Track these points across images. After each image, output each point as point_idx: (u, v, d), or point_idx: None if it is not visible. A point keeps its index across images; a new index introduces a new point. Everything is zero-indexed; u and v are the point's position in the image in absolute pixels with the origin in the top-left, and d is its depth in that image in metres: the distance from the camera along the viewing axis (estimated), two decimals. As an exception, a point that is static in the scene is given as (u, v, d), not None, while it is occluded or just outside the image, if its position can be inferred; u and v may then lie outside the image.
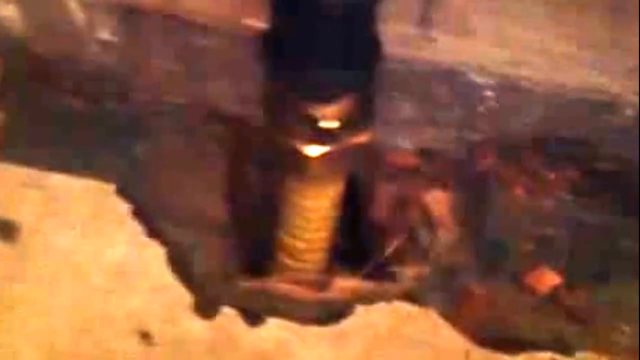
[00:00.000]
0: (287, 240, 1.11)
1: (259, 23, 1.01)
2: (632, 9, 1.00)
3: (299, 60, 0.86)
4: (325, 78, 0.86)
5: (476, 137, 1.15)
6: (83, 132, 1.18)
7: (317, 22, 0.82)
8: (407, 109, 1.13)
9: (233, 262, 1.15)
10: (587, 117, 1.11)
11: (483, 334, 1.11)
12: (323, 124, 0.89)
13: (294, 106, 0.90)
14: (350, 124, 0.91)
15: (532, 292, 1.14)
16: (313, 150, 0.92)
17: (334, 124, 0.90)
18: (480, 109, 1.11)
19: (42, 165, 1.16)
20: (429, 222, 1.16)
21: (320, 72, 0.86)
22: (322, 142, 0.91)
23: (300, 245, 1.11)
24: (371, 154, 1.08)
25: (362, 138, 0.92)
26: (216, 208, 1.17)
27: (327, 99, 0.88)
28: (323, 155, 0.92)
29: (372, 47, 0.87)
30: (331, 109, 0.89)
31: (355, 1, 0.81)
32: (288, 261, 1.14)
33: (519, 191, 1.15)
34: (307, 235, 1.09)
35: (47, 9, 1.10)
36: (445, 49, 1.06)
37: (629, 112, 1.08)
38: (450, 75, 1.09)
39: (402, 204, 1.17)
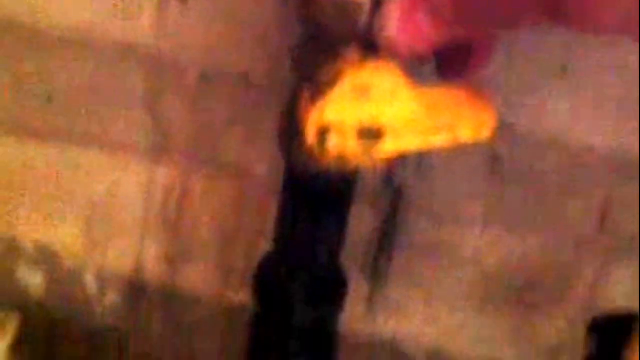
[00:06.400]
0: None
1: (240, 297, 1.23)
2: (544, 305, 1.19)
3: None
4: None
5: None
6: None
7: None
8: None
9: None
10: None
11: None
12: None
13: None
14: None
15: None
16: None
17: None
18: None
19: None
20: None
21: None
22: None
23: None
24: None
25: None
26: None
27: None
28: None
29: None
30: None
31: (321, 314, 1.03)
32: None
33: None
34: None
35: (67, 280, 1.27)
36: (385, 326, 1.27)
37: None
38: (388, 346, 1.28)
39: None
